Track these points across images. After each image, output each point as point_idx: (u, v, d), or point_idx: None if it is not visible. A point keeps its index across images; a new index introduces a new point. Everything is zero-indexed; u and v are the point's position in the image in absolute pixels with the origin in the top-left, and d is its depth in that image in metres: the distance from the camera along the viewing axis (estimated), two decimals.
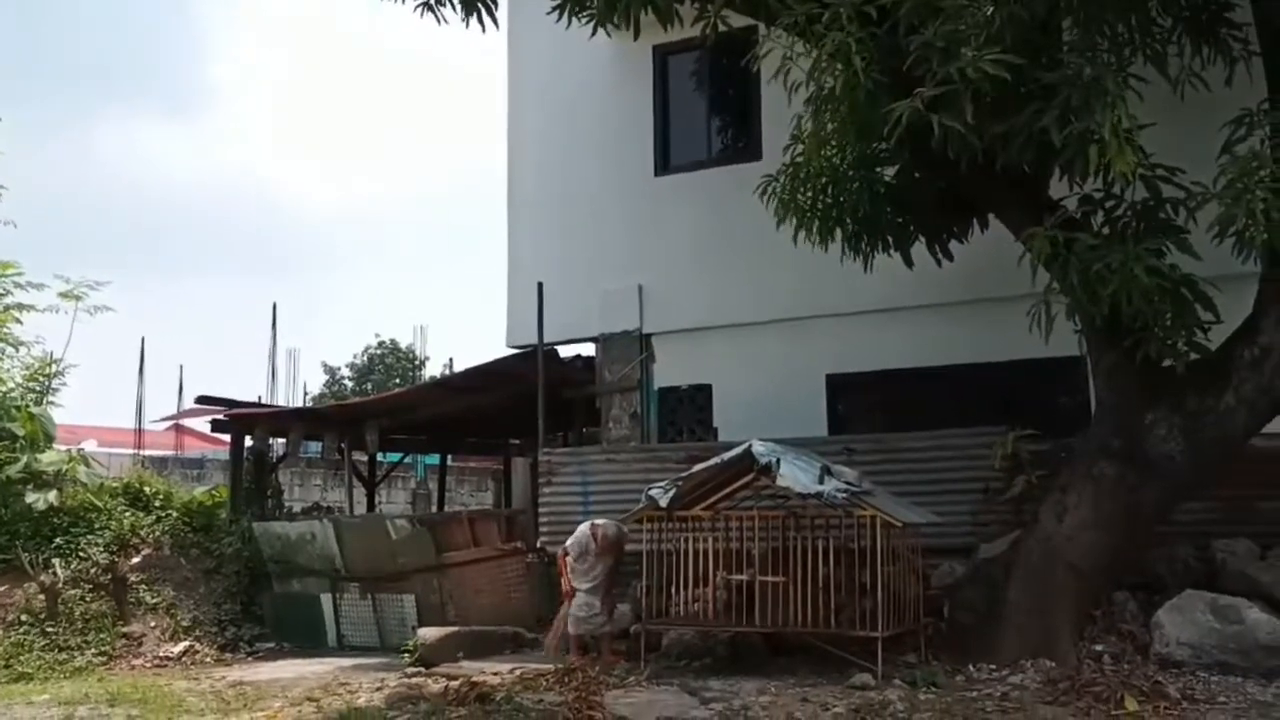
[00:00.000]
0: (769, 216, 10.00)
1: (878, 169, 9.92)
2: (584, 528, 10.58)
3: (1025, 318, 8.29)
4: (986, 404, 11.47)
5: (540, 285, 13.49)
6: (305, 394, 33.01)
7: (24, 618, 12.26)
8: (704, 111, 14.22)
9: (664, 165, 14.05)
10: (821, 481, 9.09)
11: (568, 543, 10.66)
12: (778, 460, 9.23)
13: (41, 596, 12.41)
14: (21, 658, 11.69)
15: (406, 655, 11.11)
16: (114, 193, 71.00)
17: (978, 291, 11.38)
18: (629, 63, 14.03)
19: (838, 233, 9.96)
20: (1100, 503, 8.89)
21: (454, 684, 9.17)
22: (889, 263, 10.33)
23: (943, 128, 7.70)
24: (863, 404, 12.85)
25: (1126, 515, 8.92)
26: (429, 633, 11.40)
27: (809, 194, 9.86)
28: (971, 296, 11.53)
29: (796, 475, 9.16)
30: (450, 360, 36.40)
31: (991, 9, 7.77)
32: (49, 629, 12.19)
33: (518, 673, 9.74)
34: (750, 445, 9.45)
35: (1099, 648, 8.82)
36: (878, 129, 8.37)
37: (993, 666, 8.77)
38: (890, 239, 10.13)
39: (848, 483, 9.11)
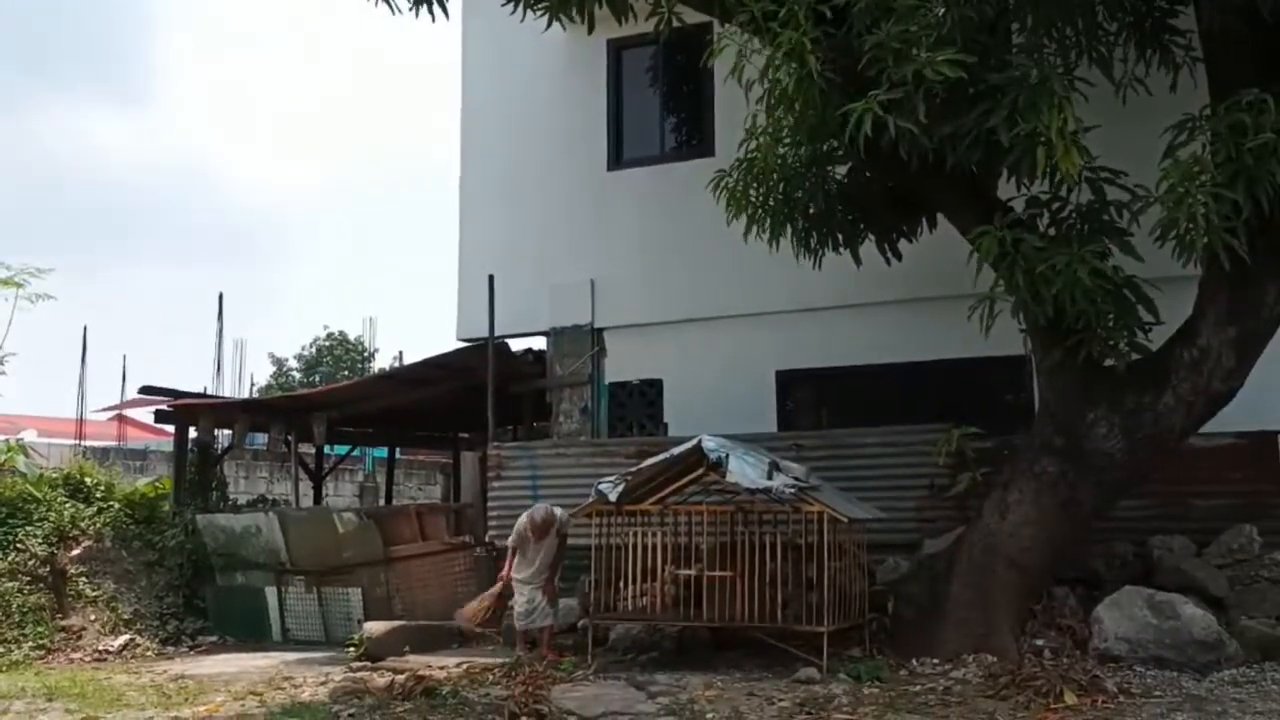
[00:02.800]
0: (721, 213, 10.03)
1: (829, 167, 9.99)
2: (521, 517, 10.54)
3: (971, 316, 8.41)
4: (933, 401, 11.62)
5: (491, 278, 13.43)
6: (252, 385, 32.61)
7: None
8: (657, 106, 14.22)
9: (617, 160, 14.04)
10: (770, 477, 9.16)
11: (510, 539, 10.62)
12: (727, 456, 9.28)
13: None
14: None
15: (352, 649, 11.03)
16: (56, 179, 69.67)
17: (926, 290, 11.50)
18: (583, 57, 14.00)
19: (788, 230, 10.02)
20: (1041, 499, 9.03)
21: (400, 678, 9.11)
22: (838, 260, 10.41)
23: (896, 128, 7.77)
24: (811, 400, 12.95)
25: (1067, 511, 9.07)
26: (375, 627, 11.34)
27: (761, 191, 9.91)
28: (919, 295, 11.65)
29: (745, 471, 9.22)
30: (400, 353, 36.17)
31: (943, 10, 7.87)
32: None
33: (464, 667, 9.72)
34: (700, 440, 9.49)
35: (1039, 642, 8.97)
36: (831, 128, 8.44)
37: (935, 661, 8.89)
38: (840, 237, 10.21)
39: (796, 478, 9.19)
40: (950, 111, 8.03)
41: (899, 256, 10.41)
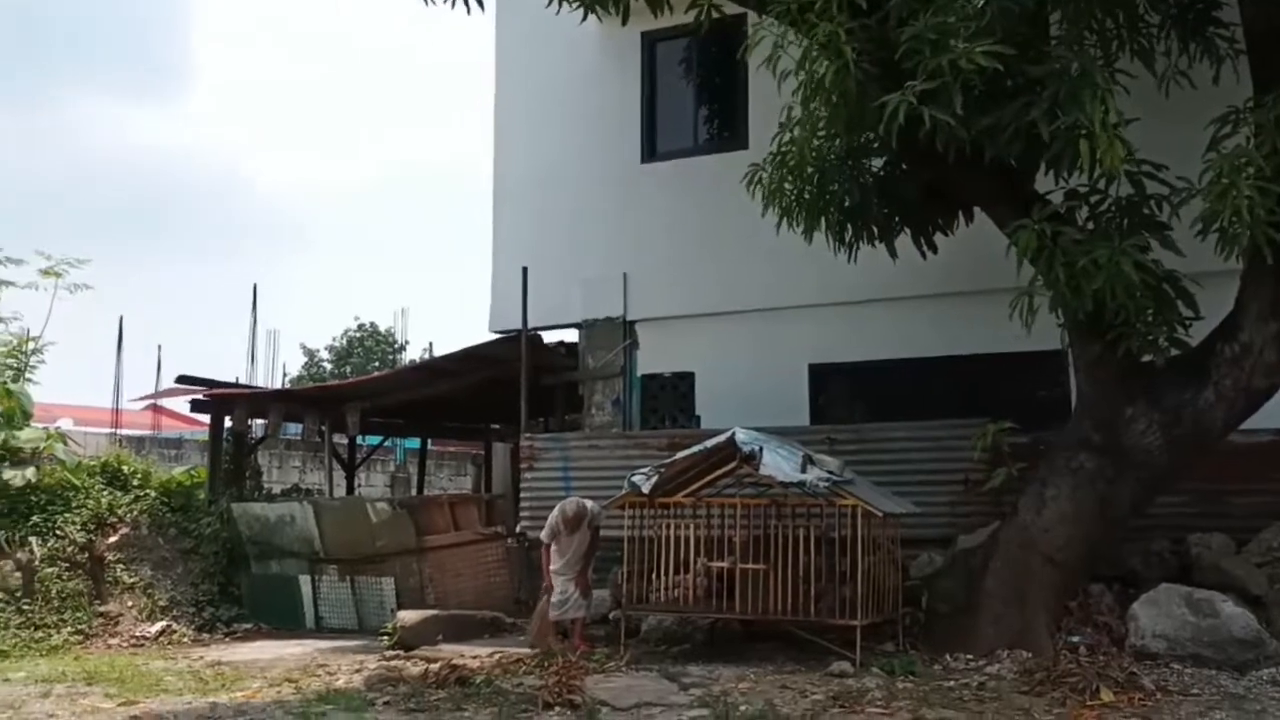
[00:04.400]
0: (755, 206, 10.00)
1: (865, 160, 9.94)
2: (553, 511, 10.56)
3: (1007, 311, 8.36)
4: (967, 396, 11.55)
5: (524, 270, 13.47)
6: (284, 376, 32.84)
7: (0, 595, 12.18)
8: (691, 99, 14.21)
9: (650, 153, 14.03)
10: (804, 470, 9.14)
11: (542, 534, 10.64)
12: (760, 448, 9.26)
13: (18, 574, 12.33)
14: None
15: (385, 638, 11.10)
16: (91, 171, 70.39)
17: (961, 284, 11.45)
18: (616, 49, 14.01)
19: (823, 223, 9.98)
20: (1079, 495, 8.97)
21: (433, 667, 9.17)
22: (873, 254, 10.36)
23: (932, 120, 7.73)
24: (844, 394, 12.89)
25: (1104, 508, 9.00)
26: (408, 615, 11.40)
27: (795, 184, 9.87)
28: (955, 289, 11.60)
29: (779, 464, 9.20)
30: (430, 344, 36.30)
31: (981, 1, 7.80)
32: (25, 607, 12.12)
33: (497, 657, 9.77)
34: (733, 433, 9.49)
35: (1075, 639, 8.90)
36: (867, 120, 8.40)
37: (970, 656, 8.85)
38: (875, 230, 10.15)
39: (830, 472, 9.16)
40: (988, 104, 7.98)
41: (935, 250, 10.34)
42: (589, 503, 10.47)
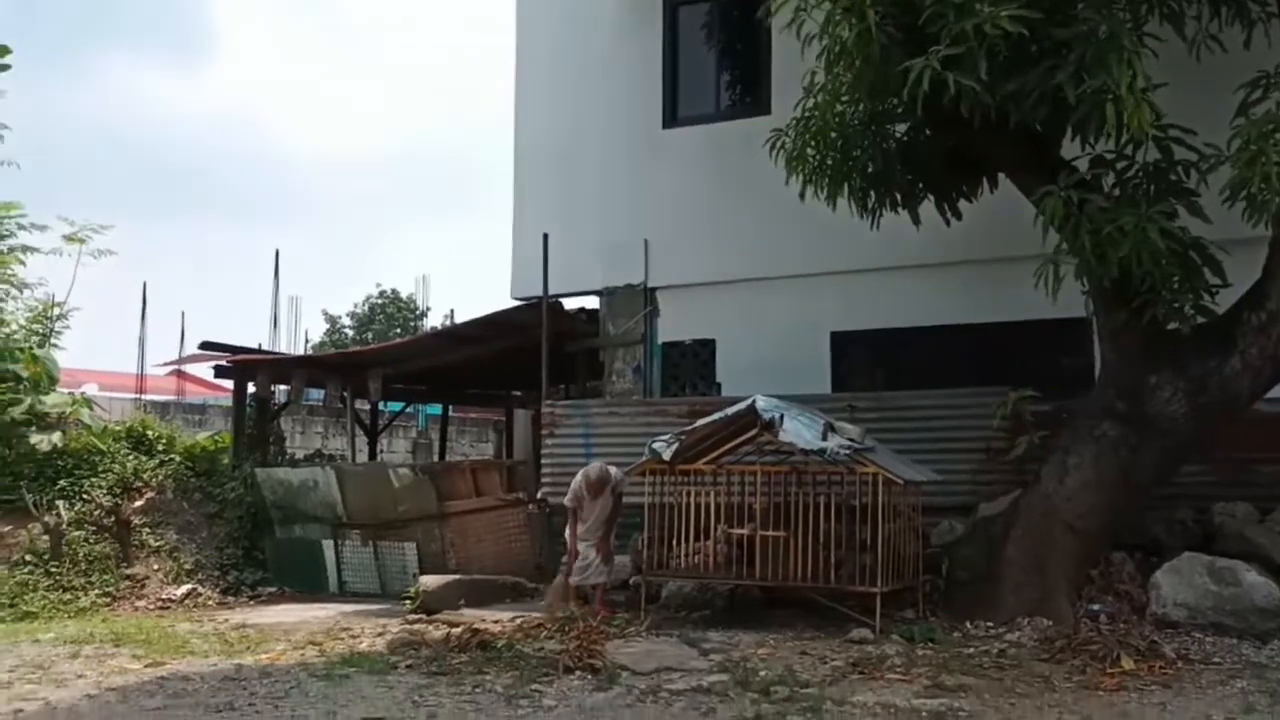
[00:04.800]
0: (777, 172, 9.96)
1: (888, 125, 9.86)
2: (577, 476, 10.59)
3: (1030, 278, 8.31)
4: (990, 364, 11.49)
5: (545, 237, 13.44)
6: (306, 342, 33.05)
7: (28, 558, 12.33)
8: (714, 64, 14.10)
9: (672, 118, 13.96)
10: (824, 438, 9.14)
11: (566, 499, 10.68)
12: (781, 416, 9.26)
13: (45, 537, 12.47)
14: (26, 597, 11.76)
15: (408, 602, 11.19)
16: (116, 137, 70.61)
17: (983, 251, 11.37)
18: (639, 13, 13.93)
19: (846, 189, 9.92)
20: (1101, 464, 8.94)
21: (455, 631, 9.24)
22: (895, 221, 10.29)
23: (956, 85, 7.64)
24: (866, 362, 12.86)
25: (1127, 476, 8.97)
26: (430, 580, 11.49)
27: (818, 150, 9.81)
28: (977, 256, 11.52)
29: (800, 431, 9.20)
30: (451, 311, 36.43)
31: None
32: (53, 569, 12.27)
33: (519, 621, 9.82)
34: (754, 401, 9.48)
35: (1096, 607, 8.88)
36: (891, 85, 8.32)
37: (990, 624, 8.85)
38: (899, 197, 10.08)
39: (850, 440, 9.15)
40: (1014, 68, 7.89)
41: (959, 216, 10.26)
42: (612, 468, 10.49)
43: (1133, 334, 8.71)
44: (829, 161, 9.81)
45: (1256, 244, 8.47)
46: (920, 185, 10.11)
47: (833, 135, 9.69)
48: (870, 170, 9.86)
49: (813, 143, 9.76)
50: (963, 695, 6.93)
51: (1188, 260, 8.21)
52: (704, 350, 13.58)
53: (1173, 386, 8.68)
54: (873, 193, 10.04)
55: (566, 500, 10.60)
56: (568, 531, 10.64)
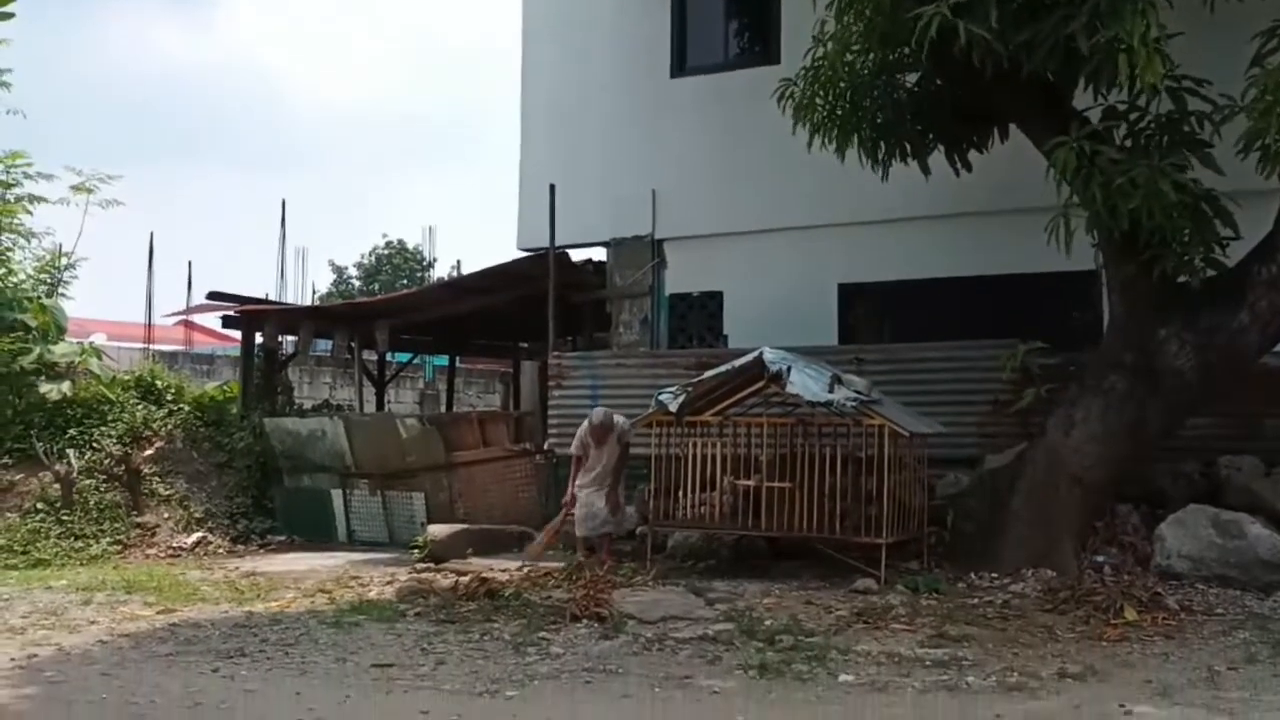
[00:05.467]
0: (785, 122, 9.89)
1: (898, 75, 9.76)
2: (582, 424, 10.61)
3: (1039, 230, 8.27)
4: (998, 316, 11.45)
5: (552, 187, 13.38)
6: (313, 293, 32.94)
7: (40, 506, 12.44)
8: (722, 13, 13.94)
9: (680, 68, 13.83)
10: (831, 390, 9.14)
11: (571, 446, 10.70)
12: (788, 368, 9.26)
13: (57, 486, 12.58)
14: (39, 544, 11.89)
15: (416, 551, 11.28)
16: (123, 87, 70.19)
17: (993, 203, 11.30)
18: None
19: (855, 140, 9.84)
20: (1108, 417, 8.94)
21: (463, 579, 9.33)
22: (904, 172, 10.22)
23: (967, 33, 7.56)
24: (874, 314, 12.82)
25: (1134, 429, 8.97)
26: (438, 529, 11.58)
27: (827, 99, 9.73)
28: (986, 208, 11.45)
29: (807, 383, 9.20)
30: (458, 262, 36.30)
31: None
32: (65, 517, 12.38)
33: (525, 570, 9.91)
34: (761, 353, 9.48)
35: (1100, 559, 8.95)
36: (901, 34, 8.23)
37: (994, 575, 8.90)
38: (909, 147, 10.00)
39: (857, 392, 9.16)
40: (1026, 17, 7.79)
41: (968, 168, 10.19)
42: (618, 416, 10.51)
43: (1142, 287, 8.67)
44: (838, 112, 9.74)
45: (1269, 196, 8.39)
46: (930, 136, 10.04)
47: (842, 85, 9.60)
48: (880, 120, 9.78)
49: (822, 93, 9.68)
50: (966, 645, 6.99)
51: (1199, 212, 8.16)
52: (711, 302, 13.56)
53: (1181, 340, 8.66)
54: (882, 143, 9.96)
55: (572, 448, 10.62)
56: (570, 478, 10.67)
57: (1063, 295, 11.45)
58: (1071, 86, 8.64)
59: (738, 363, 9.72)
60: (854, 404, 9.08)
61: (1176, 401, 8.90)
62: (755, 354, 9.55)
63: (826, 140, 9.80)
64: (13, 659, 7.05)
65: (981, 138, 10.12)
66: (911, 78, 9.82)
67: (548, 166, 14.00)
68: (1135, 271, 8.60)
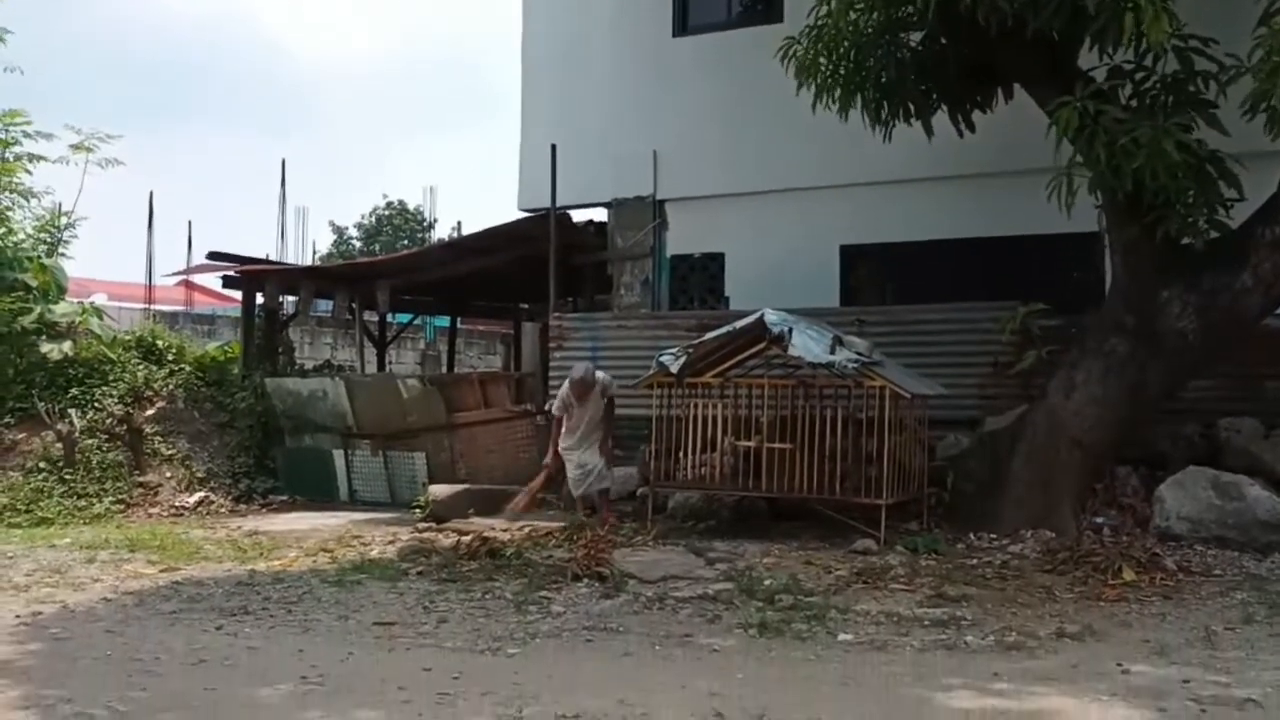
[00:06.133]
0: (788, 82, 9.81)
1: (902, 34, 9.67)
2: (563, 384, 10.58)
3: (1042, 192, 8.21)
4: (999, 278, 11.43)
5: (553, 148, 13.29)
6: (314, 253, 32.86)
7: (43, 465, 12.49)
8: None
9: (682, 26, 13.71)
10: (833, 352, 9.14)
11: (554, 405, 10.67)
12: (790, 330, 9.25)
13: (59, 445, 12.61)
14: (42, 503, 11.94)
15: (418, 511, 11.33)
16: (122, 45, 69.67)
17: (995, 165, 11.24)
18: None
19: (858, 100, 9.77)
20: (1109, 379, 8.93)
21: (465, 539, 9.38)
22: (907, 133, 10.15)
23: None
24: (875, 275, 12.78)
25: (1134, 392, 8.97)
26: (440, 489, 11.62)
27: (831, 59, 9.65)
28: (989, 169, 11.39)
29: (808, 345, 9.20)
30: (459, 223, 36.22)
31: None
32: (67, 476, 12.43)
33: (527, 530, 9.95)
34: (763, 314, 9.46)
35: (1099, 520, 8.99)
36: None
37: (993, 536, 8.94)
38: (912, 107, 9.92)
39: (859, 353, 9.16)
40: None
41: (972, 128, 10.11)
42: (599, 371, 10.47)
43: (1145, 249, 8.64)
44: (841, 71, 9.66)
45: (1274, 158, 8.30)
46: (934, 96, 9.95)
47: (846, 44, 9.52)
48: (883, 80, 9.69)
49: (825, 52, 9.59)
50: (965, 605, 7.03)
51: (1203, 173, 8.11)
52: (713, 264, 13.53)
53: (1183, 302, 8.64)
54: (885, 104, 9.88)
55: (554, 408, 10.57)
56: (551, 436, 10.63)
57: (1064, 257, 11.42)
58: (1077, 45, 8.57)
59: (739, 324, 9.70)
60: (855, 365, 9.08)
61: (1178, 364, 8.90)
62: (757, 315, 9.53)
63: (830, 100, 9.73)
64: (18, 616, 7.10)
65: (985, 98, 10.04)
66: (915, 37, 9.72)
67: (549, 127, 13.91)
68: (1138, 233, 8.56)
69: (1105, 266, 9.99)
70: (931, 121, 10.02)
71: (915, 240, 12.30)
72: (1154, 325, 8.74)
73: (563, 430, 10.42)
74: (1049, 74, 8.81)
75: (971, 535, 9.03)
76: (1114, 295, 9.24)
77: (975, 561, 8.30)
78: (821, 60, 9.62)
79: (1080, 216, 8.58)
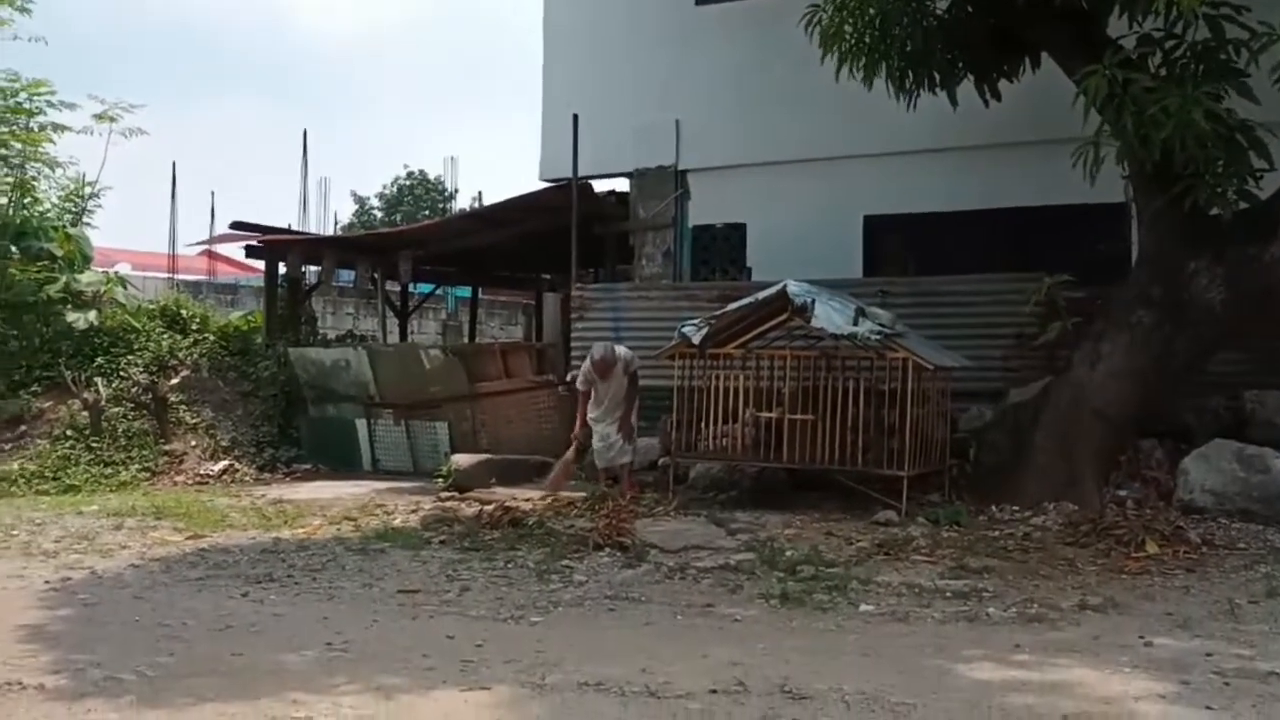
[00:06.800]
0: (812, 50, 9.75)
1: (928, 2, 9.58)
2: (585, 361, 10.61)
3: (1068, 161, 8.13)
4: (1024, 249, 11.34)
5: (575, 117, 13.24)
6: (335, 223, 32.88)
7: (69, 433, 12.61)
8: None
9: None
10: (856, 323, 9.11)
11: (578, 381, 10.72)
12: (813, 301, 9.22)
13: (85, 413, 12.73)
14: (69, 471, 12.07)
15: (440, 480, 11.38)
16: (143, 13, 69.69)
17: (1020, 134, 11.13)
18: None
19: (883, 69, 9.69)
20: (1134, 351, 8.87)
21: (487, 508, 9.41)
22: (932, 102, 10.07)
23: None
24: (898, 246, 12.71)
25: (1160, 364, 8.91)
26: (462, 459, 11.66)
27: (855, 27, 9.57)
28: (1013, 139, 11.28)
29: (831, 316, 9.17)
30: (479, 193, 36.19)
31: None
32: (94, 444, 12.55)
33: (549, 499, 9.99)
34: (785, 285, 9.43)
35: (1123, 493, 8.94)
36: None
37: (1016, 508, 8.90)
38: (937, 76, 9.83)
39: (881, 325, 9.12)
40: None
41: (998, 97, 10.01)
42: (619, 348, 10.50)
43: (1172, 219, 8.55)
44: (866, 39, 9.58)
45: None
46: (959, 65, 9.86)
47: (871, 12, 9.43)
48: (909, 49, 9.61)
49: (850, 20, 9.52)
50: (986, 576, 7.03)
51: (1233, 143, 8.01)
52: (734, 234, 13.47)
53: (1211, 273, 8.55)
54: (910, 72, 9.80)
55: (579, 383, 10.63)
56: (577, 412, 10.70)
57: (1090, 228, 11.32)
58: (1106, 13, 8.47)
59: (761, 295, 9.68)
60: (878, 337, 9.04)
61: (1204, 336, 8.82)
62: (779, 286, 9.50)
63: (854, 69, 9.65)
64: (47, 581, 7.19)
65: (1012, 67, 9.94)
66: (942, 4, 9.62)
67: (571, 96, 13.83)
68: (1165, 203, 8.47)
69: (1132, 237, 9.92)
70: (956, 90, 9.93)
71: (939, 210, 12.21)
72: (1181, 296, 8.67)
73: (592, 403, 10.48)
74: (1077, 42, 8.72)
75: (994, 507, 8.99)
76: (1140, 266, 9.16)
77: (997, 533, 8.28)
78: (846, 28, 9.54)
79: (1106, 186, 8.51)
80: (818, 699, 4.59)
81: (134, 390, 13.23)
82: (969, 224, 12.08)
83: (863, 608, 6.39)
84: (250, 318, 16.38)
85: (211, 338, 14.49)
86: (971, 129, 10.81)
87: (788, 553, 7.67)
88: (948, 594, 6.64)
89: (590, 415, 10.52)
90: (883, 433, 9.35)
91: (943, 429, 9.63)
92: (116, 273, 15.37)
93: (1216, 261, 8.55)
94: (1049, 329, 9.92)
